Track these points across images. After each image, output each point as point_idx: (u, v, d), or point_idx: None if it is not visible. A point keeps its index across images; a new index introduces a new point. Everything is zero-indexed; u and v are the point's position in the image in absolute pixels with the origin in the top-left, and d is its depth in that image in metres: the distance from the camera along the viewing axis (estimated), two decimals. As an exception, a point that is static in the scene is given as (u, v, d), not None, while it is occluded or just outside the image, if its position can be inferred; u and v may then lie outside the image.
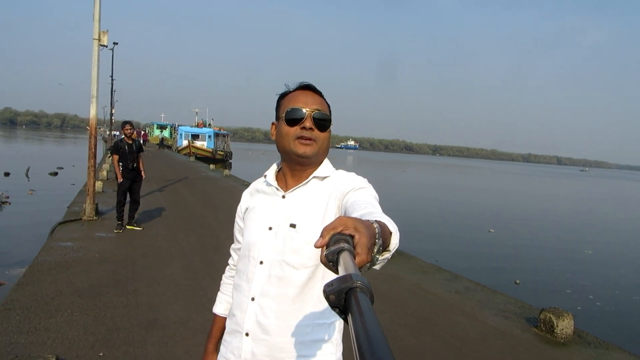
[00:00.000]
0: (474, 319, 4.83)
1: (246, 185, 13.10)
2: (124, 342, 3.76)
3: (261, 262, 1.39)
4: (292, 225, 1.36)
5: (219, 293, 1.63)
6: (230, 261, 1.64)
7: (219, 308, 1.61)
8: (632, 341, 6.16)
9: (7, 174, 19.37)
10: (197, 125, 47.28)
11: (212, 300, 1.55)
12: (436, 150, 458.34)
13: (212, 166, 27.10)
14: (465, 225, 16.79)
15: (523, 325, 4.71)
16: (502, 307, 5.27)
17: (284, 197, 1.43)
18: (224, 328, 1.53)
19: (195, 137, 42.27)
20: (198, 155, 36.34)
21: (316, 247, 0.75)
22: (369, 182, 1.37)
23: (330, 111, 1.47)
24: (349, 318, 0.56)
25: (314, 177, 1.42)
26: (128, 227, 8.02)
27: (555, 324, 4.41)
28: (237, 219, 1.60)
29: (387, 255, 0.91)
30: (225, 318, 1.56)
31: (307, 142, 1.38)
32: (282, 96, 1.47)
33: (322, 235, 0.76)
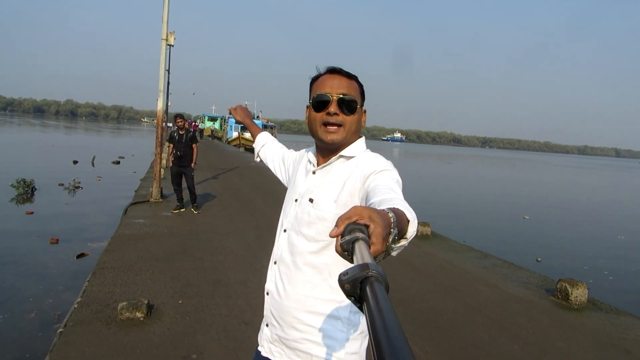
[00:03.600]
0: (496, 288, 5.40)
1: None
2: (197, 294, 4.61)
3: (285, 230, 1.51)
4: (311, 200, 1.44)
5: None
6: (276, 149, 1.97)
7: (260, 138, 2.05)
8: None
9: (75, 162, 21.16)
10: (246, 117, 48.60)
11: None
12: (485, 143, 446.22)
13: (260, 156, 28.22)
14: (502, 212, 17.67)
15: (541, 294, 5.24)
16: (525, 280, 5.79)
17: (314, 172, 1.51)
18: (255, 134, 2.05)
19: (244, 128, 43.47)
20: (247, 147, 37.60)
21: (331, 236, 0.76)
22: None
23: (362, 92, 1.49)
24: (364, 307, 0.57)
25: (340, 156, 1.46)
26: (192, 210, 8.92)
27: (570, 292, 4.92)
28: (290, 155, 1.84)
29: (403, 242, 0.92)
30: (256, 134, 2.06)
31: (333, 128, 1.41)
32: (314, 80, 1.50)
33: (337, 225, 0.77)
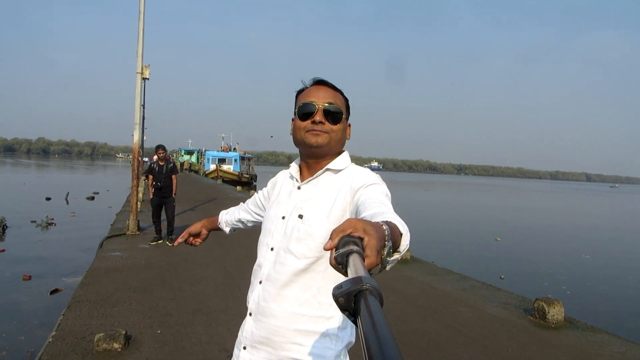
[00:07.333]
0: (475, 309, 5.45)
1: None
2: (176, 324, 4.54)
3: (272, 249, 1.47)
4: (300, 216, 1.40)
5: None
6: (240, 206, 1.89)
7: (221, 213, 1.93)
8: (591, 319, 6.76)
9: (48, 199, 20.72)
10: (223, 150, 48.73)
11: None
12: (461, 170, 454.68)
13: (238, 188, 28.18)
14: (476, 234, 18.69)
15: (520, 314, 5.31)
16: (504, 300, 5.86)
17: (299, 188, 1.49)
18: (216, 221, 1.92)
19: (222, 161, 43.49)
20: (225, 179, 37.47)
21: (325, 249, 0.75)
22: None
23: (347, 105, 1.50)
24: (359, 321, 0.56)
25: (327, 169, 1.45)
26: (167, 243, 8.78)
27: (547, 311, 5.00)
28: (258, 195, 1.77)
29: (396, 256, 0.90)
30: (217, 219, 1.92)
31: (318, 132, 1.41)
32: (299, 93, 1.52)
33: (331, 238, 0.76)
